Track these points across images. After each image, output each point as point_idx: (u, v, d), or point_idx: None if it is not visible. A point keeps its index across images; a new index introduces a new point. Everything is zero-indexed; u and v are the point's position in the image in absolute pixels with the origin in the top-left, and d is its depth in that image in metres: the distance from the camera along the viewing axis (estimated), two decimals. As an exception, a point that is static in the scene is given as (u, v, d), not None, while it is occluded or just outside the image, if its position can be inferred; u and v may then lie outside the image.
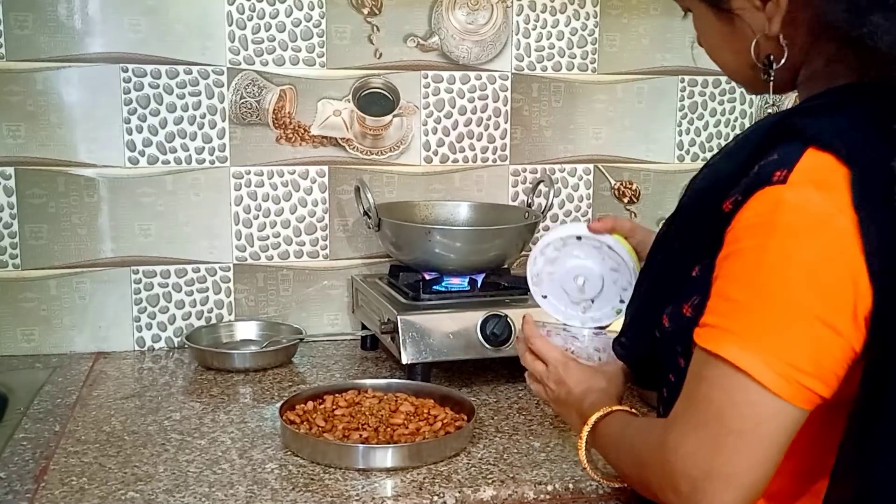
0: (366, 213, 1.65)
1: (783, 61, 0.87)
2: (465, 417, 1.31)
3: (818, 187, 0.76)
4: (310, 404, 1.34)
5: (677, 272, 0.89)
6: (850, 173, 0.77)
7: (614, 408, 1.00)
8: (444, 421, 1.29)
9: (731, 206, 0.81)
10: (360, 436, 1.24)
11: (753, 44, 0.88)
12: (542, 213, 1.75)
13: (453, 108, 1.81)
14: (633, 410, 1.01)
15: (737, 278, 0.79)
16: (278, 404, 1.33)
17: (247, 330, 1.75)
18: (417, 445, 1.21)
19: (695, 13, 0.95)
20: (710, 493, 0.78)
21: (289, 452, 1.25)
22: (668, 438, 0.81)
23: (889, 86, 0.83)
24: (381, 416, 1.30)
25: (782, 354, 0.76)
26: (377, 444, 1.21)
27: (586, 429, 1.00)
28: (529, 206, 1.80)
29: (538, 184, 1.80)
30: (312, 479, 1.17)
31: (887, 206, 0.76)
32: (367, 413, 1.31)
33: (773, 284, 0.76)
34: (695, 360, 0.82)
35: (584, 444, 1.02)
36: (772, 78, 0.89)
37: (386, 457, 1.19)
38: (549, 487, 1.17)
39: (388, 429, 1.26)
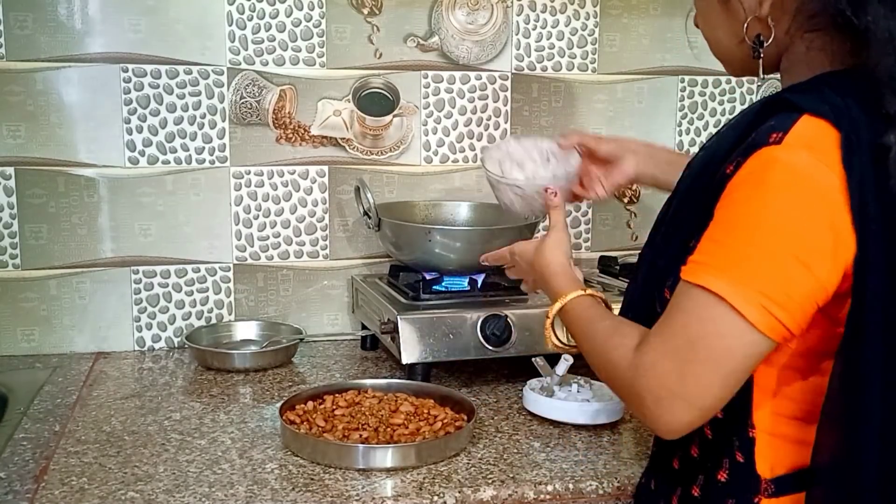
0: (366, 213, 1.65)
1: (770, 40, 0.95)
2: (465, 417, 1.31)
3: (809, 149, 0.83)
4: (310, 404, 1.34)
5: (677, 246, 0.94)
6: (840, 136, 0.83)
7: (586, 292, 1.08)
8: (444, 421, 1.29)
9: (733, 168, 0.87)
10: (360, 436, 1.24)
11: (746, 24, 0.96)
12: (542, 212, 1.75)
13: (453, 108, 1.81)
14: (599, 295, 1.09)
15: (723, 223, 0.86)
16: (278, 404, 1.33)
17: (247, 330, 1.75)
18: (417, 445, 1.21)
19: None
20: (671, 411, 0.86)
21: (289, 452, 1.25)
22: (642, 361, 0.88)
23: (862, 70, 0.89)
24: (381, 416, 1.30)
25: (755, 283, 0.82)
26: (377, 444, 1.21)
27: (556, 307, 1.08)
28: None
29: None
30: (312, 479, 1.17)
31: (869, 165, 0.83)
32: (367, 413, 1.31)
33: (753, 226, 0.83)
34: (676, 293, 0.88)
35: (552, 317, 1.10)
36: (761, 56, 0.96)
37: (386, 457, 1.19)
38: (549, 487, 1.17)
39: (388, 429, 1.26)
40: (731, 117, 1.04)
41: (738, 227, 0.84)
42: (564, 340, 1.15)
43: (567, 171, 1.32)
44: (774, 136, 0.84)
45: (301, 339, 1.70)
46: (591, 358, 1.00)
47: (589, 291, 1.08)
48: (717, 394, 0.85)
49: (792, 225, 0.82)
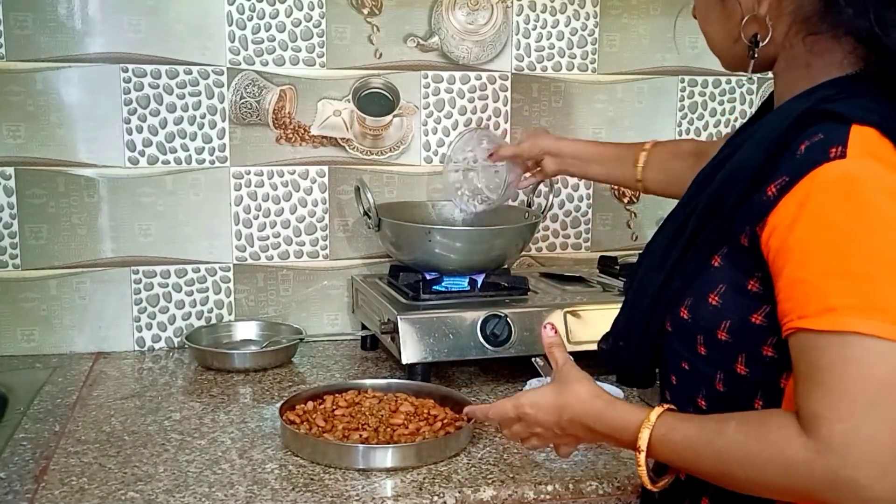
0: (366, 214, 1.65)
1: (767, 40, 0.93)
2: (466, 417, 1.31)
3: (874, 158, 0.80)
4: (310, 404, 1.34)
5: (696, 265, 0.91)
6: (893, 145, 0.82)
7: (661, 410, 0.91)
8: (444, 421, 1.29)
9: (777, 190, 0.83)
10: (360, 436, 1.24)
11: (743, 22, 0.94)
12: (542, 213, 1.75)
13: (453, 108, 1.81)
14: (668, 406, 0.93)
15: (849, 253, 0.78)
16: (278, 404, 1.33)
17: (247, 330, 1.75)
18: (417, 445, 1.21)
19: None
20: (894, 473, 0.75)
21: (289, 452, 1.25)
22: (832, 440, 0.75)
23: (881, 74, 0.88)
24: (381, 416, 1.30)
25: None
26: (377, 444, 1.21)
27: (643, 439, 0.89)
28: (529, 206, 1.80)
29: (538, 184, 1.80)
30: (312, 479, 1.17)
31: None
32: (367, 413, 1.30)
33: (880, 249, 0.77)
34: (822, 348, 0.78)
35: (644, 454, 0.90)
36: (755, 55, 0.94)
37: (386, 457, 1.19)
38: (549, 487, 1.17)
39: (388, 429, 1.26)
40: (738, 127, 1.01)
41: (871, 255, 0.77)
42: (655, 474, 0.95)
43: (504, 182, 1.60)
44: (834, 150, 0.80)
45: (301, 340, 1.70)
46: (737, 472, 0.82)
47: (662, 407, 0.91)
48: None
49: None
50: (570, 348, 1.14)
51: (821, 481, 0.76)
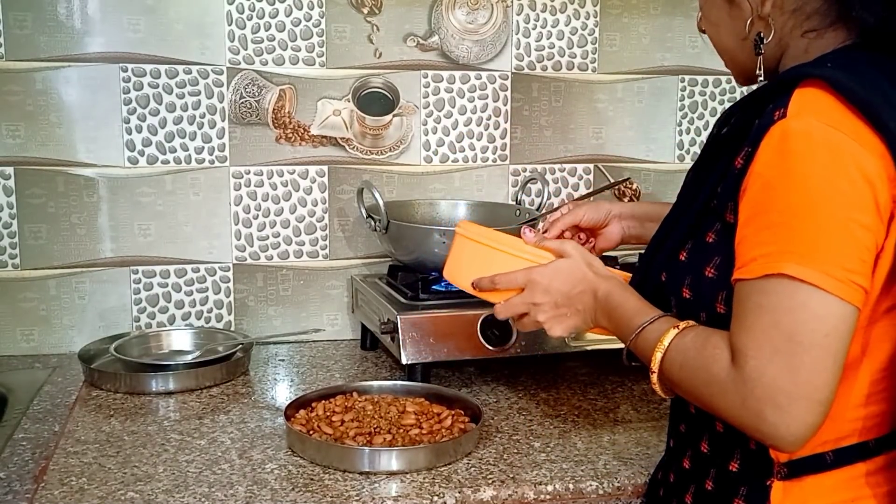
0: (370, 216, 1.63)
1: (771, 38, 0.96)
2: (469, 419, 1.30)
3: (812, 113, 0.84)
4: (314, 406, 1.33)
5: (693, 237, 0.95)
6: (840, 98, 0.85)
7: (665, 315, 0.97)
8: (448, 423, 1.28)
9: (743, 160, 0.88)
10: (365, 438, 1.23)
11: (748, 22, 0.96)
12: (538, 209, 1.75)
13: (453, 107, 1.81)
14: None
15: (772, 206, 0.84)
16: (278, 405, 1.33)
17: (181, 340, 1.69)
18: (424, 448, 1.20)
19: None
20: (796, 414, 0.82)
21: (288, 453, 1.24)
22: (744, 373, 0.83)
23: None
24: (390, 417, 1.29)
25: (837, 260, 0.81)
26: (381, 445, 1.21)
27: (669, 335, 0.93)
28: (519, 203, 1.79)
29: (527, 182, 1.80)
30: (312, 479, 1.16)
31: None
32: (374, 416, 1.30)
33: (807, 200, 0.82)
34: (747, 295, 0.85)
35: (664, 350, 0.93)
36: (762, 52, 0.97)
37: (390, 459, 1.18)
38: (549, 488, 1.17)
39: (399, 429, 1.25)
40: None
41: (789, 205, 0.82)
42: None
43: None
44: (777, 113, 0.85)
45: (318, 330, 1.73)
46: (676, 373, 0.92)
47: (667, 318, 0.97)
48: (831, 382, 0.82)
49: (835, 188, 0.81)
50: (571, 349, 1.14)
51: (731, 406, 0.85)
